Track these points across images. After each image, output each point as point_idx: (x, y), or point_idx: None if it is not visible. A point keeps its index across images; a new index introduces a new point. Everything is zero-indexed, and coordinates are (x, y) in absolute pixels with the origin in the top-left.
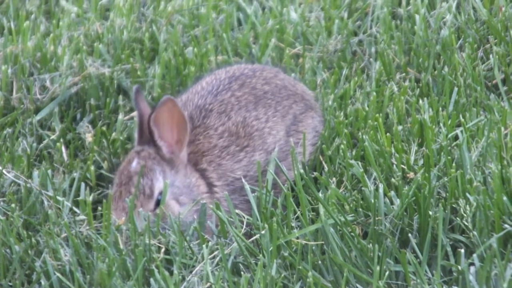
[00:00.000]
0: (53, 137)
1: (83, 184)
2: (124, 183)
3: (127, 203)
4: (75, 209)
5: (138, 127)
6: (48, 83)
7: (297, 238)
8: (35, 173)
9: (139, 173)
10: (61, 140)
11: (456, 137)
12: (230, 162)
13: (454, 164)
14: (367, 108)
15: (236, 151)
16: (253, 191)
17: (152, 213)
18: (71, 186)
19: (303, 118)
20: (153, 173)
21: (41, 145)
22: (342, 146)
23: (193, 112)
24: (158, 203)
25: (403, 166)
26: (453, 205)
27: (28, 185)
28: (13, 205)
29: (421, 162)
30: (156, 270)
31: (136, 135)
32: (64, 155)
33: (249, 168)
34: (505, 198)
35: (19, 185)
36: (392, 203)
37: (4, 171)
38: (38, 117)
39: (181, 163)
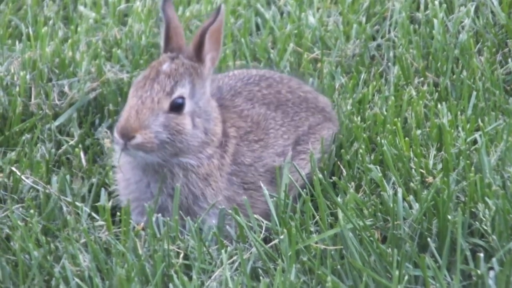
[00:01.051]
0: (71, 142)
1: (102, 190)
2: (151, 77)
3: (149, 94)
4: (94, 214)
5: (165, 33)
6: (66, 89)
7: (316, 242)
8: (54, 178)
9: (167, 74)
10: (80, 145)
11: (475, 141)
12: (245, 148)
13: (473, 168)
14: (385, 113)
15: (253, 141)
16: (271, 196)
17: (163, 115)
18: (90, 191)
19: (318, 129)
20: (181, 78)
21: (60, 150)
22: (360, 150)
23: (223, 86)
24: (173, 106)
25: (422, 170)
26: (472, 209)
27: (47, 191)
28: (32, 211)
29: (440, 166)
30: (175, 276)
31: (161, 41)
32: (83, 160)
33: (256, 160)
34: None
35: (38, 191)
36: (411, 207)
37: (22, 177)
38: (56, 122)
39: (209, 85)
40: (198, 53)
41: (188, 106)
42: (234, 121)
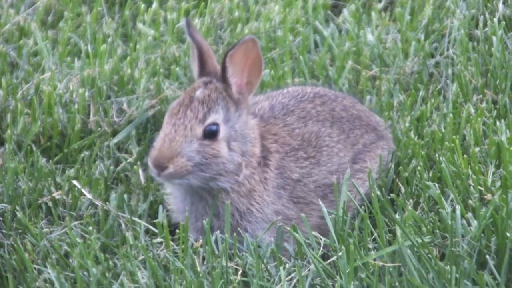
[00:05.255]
0: (130, 159)
1: (160, 207)
2: (185, 104)
3: (182, 121)
4: (153, 228)
5: (198, 58)
6: (125, 106)
7: (374, 259)
8: (113, 195)
9: (201, 101)
10: (138, 162)
11: None
12: (292, 164)
13: None
14: (443, 130)
15: (302, 158)
16: (330, 213)
17: (197, 142)
18: (148, 208)
19: (373, 148)
20: (214, 104)
21: (119, 168)
22: (418, 168)
23: (276, 105)
24: (206, 133)
25: (480, 187)
26: None
27: (106, 207)
28: (90, 228)
29: (498, 183)
30: None
31: (195, 67)
32: (141, 177)
33: (305, 176)
34: None
35: (96, 208)
36: (469, 224)
37: (83, 190)
38: (115, 140)
39: (246, 108)
40: (223, 76)
41: (222, 132)
42: (278, 137)
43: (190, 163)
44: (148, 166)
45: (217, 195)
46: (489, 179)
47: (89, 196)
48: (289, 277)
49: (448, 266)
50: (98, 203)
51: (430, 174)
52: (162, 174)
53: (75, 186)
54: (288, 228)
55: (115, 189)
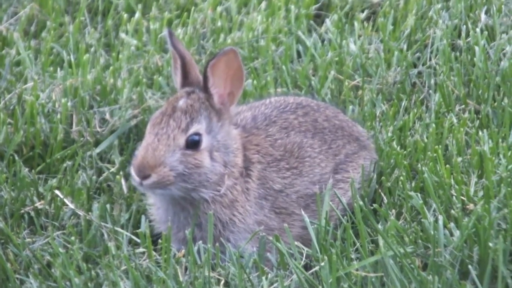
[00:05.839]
0: (112, 169)
1: (143, 217)
2: (168, 113)
3: (165, 130)
4: (135, 238)
5: (181, 69)
6: (107, 116)
7: (357, 270)
8: (95, 205)
9: (183, 110)
10: (121, 172)
11: None
12: (274, 174)
13: None
14: (426, 140)
15: (284, 168)
16: (312, 223)
17: (179, 152)
18: (130, 218)
19: (355, 158)
20: (197, 114)
21: (101, 178)
22: (401, 177)
23: (258, 115)
24: (189, 143)
25: (462, 197)
26: None
27: (88, 217)
28: (73, 238)
29: (481, 193)
30: None
31: (177, 77)
32: (124, 187)
33: (287, 186)
34: None
35: (79, 217)
36: (452, 234)
37: (65, 200)
38: (98, 150)
39: (228, 118)
40: (205, 86)
41: (205, 142)
42: (260, 148)
43: (172, 173)
44: (131, 175)
45: (198, 205)
46: (472, 189)
47: (71, 206)
48: (272, 287)
49: (431, 276)
50: (81, 213)
51: (413, 184)
52: (144, 183)
53: (57, 196)
54: (271, 238)
55: (98, 199)
